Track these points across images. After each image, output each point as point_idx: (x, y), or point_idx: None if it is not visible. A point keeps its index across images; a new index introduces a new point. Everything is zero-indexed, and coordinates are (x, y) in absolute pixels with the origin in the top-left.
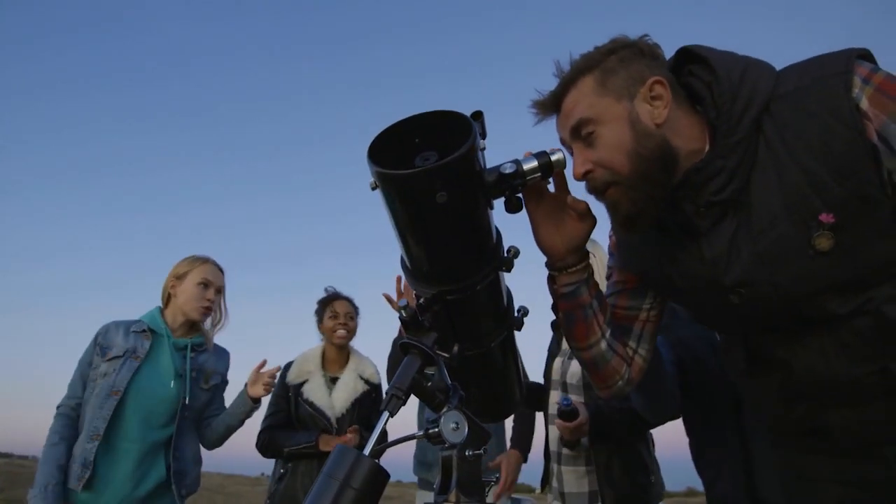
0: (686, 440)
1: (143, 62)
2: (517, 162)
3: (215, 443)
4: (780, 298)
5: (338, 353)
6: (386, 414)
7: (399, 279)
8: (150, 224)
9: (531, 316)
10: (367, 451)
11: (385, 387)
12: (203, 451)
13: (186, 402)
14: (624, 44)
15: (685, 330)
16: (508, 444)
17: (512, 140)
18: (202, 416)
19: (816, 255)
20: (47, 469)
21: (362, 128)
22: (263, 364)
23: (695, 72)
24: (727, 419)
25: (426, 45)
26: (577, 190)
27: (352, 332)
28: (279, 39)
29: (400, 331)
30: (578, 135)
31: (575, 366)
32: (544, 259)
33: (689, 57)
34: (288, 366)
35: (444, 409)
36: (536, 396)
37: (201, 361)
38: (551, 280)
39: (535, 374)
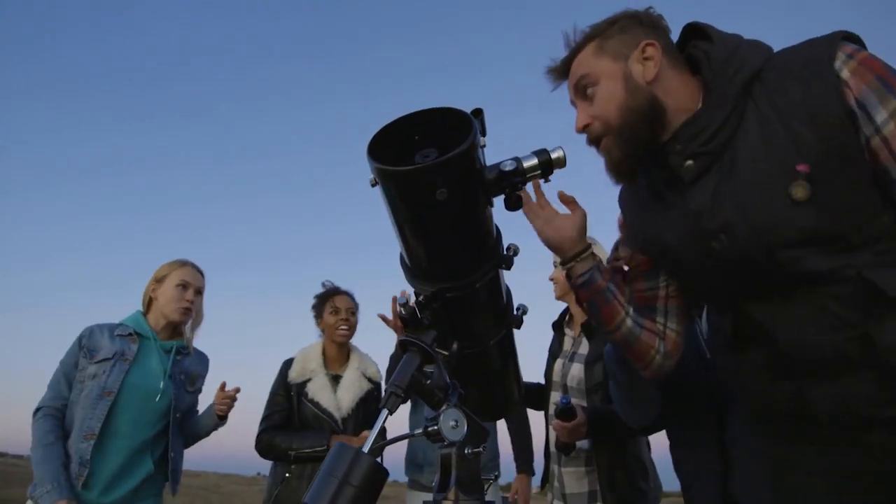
0: None
1: (140, 62)
2: (517, 160)
3: (191, 442)
4: (759, 247)
5: (339, 351)
6: (385, 412)
7: (395, 300)
8: (149, 224)
9: (532, 316)
10: (366, 448)
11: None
12: (204, 452)
13: (174, 403)
14: (625, 14)
15: None
16: (501, 447)
17: (511, 140)
18: (185, 418)
19: (793, 203)
20: (52, 466)
21: (361, 127)
22: (224, 386)
23: (698, 44)
24: (707, 425)
25: (424, 45)
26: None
27: (353, 329)
28: (278, 39)
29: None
30: (580, 92)
31: (576, 369)
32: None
33: (695, 32)
34: (287, 364)
35: (444, 407)
36: (537, 396)
37: (186, 365)
38: (568, 277)
39: (535, 374)
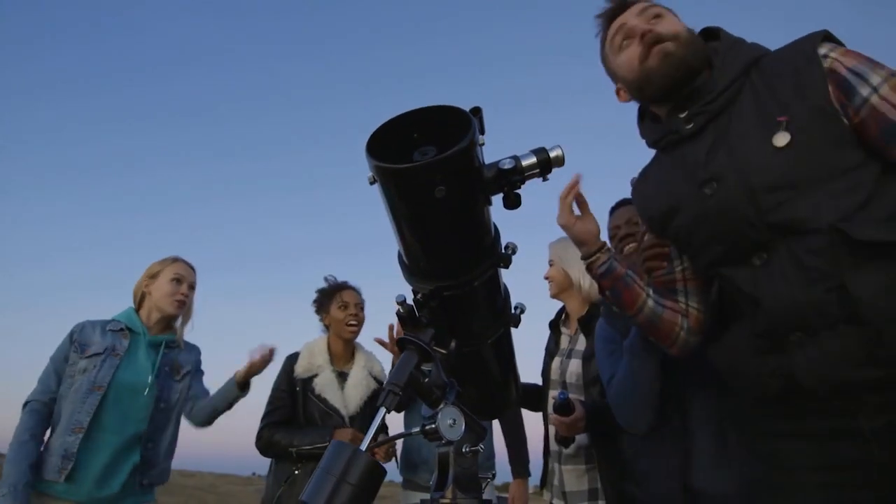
0: None
1: (140, 62)
2: (516, 158)
3: (202, 422)
4: (745, 192)
5: (345, 347)
6: (383, 410)
7: (392, 327)
8: (148, 223)
9: (530, 316)
10: (364, 446)
11: None
12: (200, 452)
13: (158, 394)
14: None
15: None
16: (497, 446)
17: (510, 140)
18: (184, 405)
19: (776, 150)
20: (18, 468)
21: (360, 126)
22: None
23: (710, 44)
24: (664, 415)
25: (423, 45)
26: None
27: (361, 325)
28: (276, 38)
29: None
30: (646, 16)
31: (574, 365)
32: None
33: (709, 35)
34: (292, 358)
35: (441, 406)
36: (535, 397)
37: (172, 357)
38: (589, 269)
39: (532, 373)
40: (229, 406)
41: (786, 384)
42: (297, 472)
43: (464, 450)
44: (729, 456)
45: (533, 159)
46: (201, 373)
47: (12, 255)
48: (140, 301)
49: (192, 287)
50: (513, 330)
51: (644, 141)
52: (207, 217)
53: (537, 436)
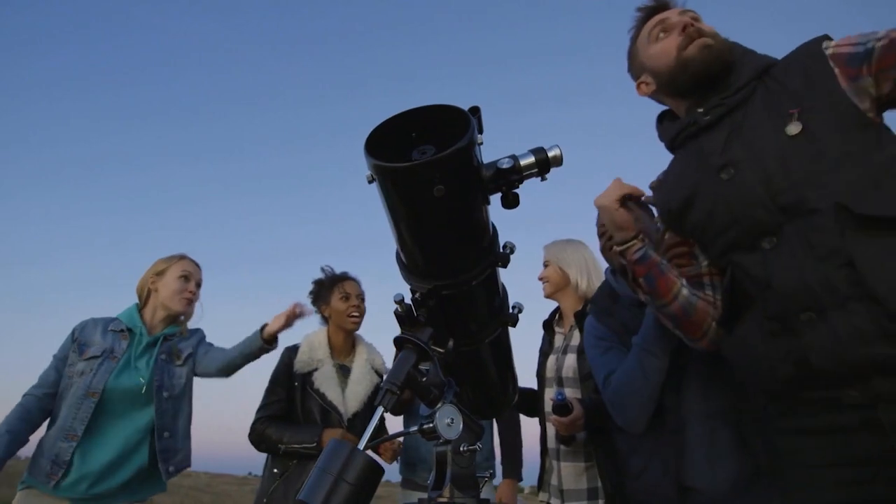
0: None
1: (137, 61)
2: (514, 157)
3: (215, 371)
4: (761, 176)
5: (345, 339)
6: (381, 409)
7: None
8: (147, 223)
9: (524, 317)
10: (361, 445)
11: None
12: (196, 451)
13: (157, 385)
14: None
15: (626, 313)
16: (498, 452)
17: (507, 141)
18: (186, 389)
19: (788, 139)
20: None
21: (359, 126)
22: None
23: None
24: (665, 409)
25: (420, 45)
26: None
27: (363, 316)
28: (274, 38)
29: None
30: (689, 12)
31: (570, 360)
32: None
33: None
34: (291, 351)
35: (439, 405)
36: (530, 401)
37: (170, 345)
38: (623, 255)
39: (527, 373)
40: (247, 358)
41: (797, 370)
42: (289, 466)
43: (461, 449)
44: (719, 454)
45: (531, 159)
46: (205, 340)
47: (12, 255)
48: (145, 298)
49: (198, 285)
50: (511, 329)
51: (663, 144)
52: (207, 217)
53: (534, 436)
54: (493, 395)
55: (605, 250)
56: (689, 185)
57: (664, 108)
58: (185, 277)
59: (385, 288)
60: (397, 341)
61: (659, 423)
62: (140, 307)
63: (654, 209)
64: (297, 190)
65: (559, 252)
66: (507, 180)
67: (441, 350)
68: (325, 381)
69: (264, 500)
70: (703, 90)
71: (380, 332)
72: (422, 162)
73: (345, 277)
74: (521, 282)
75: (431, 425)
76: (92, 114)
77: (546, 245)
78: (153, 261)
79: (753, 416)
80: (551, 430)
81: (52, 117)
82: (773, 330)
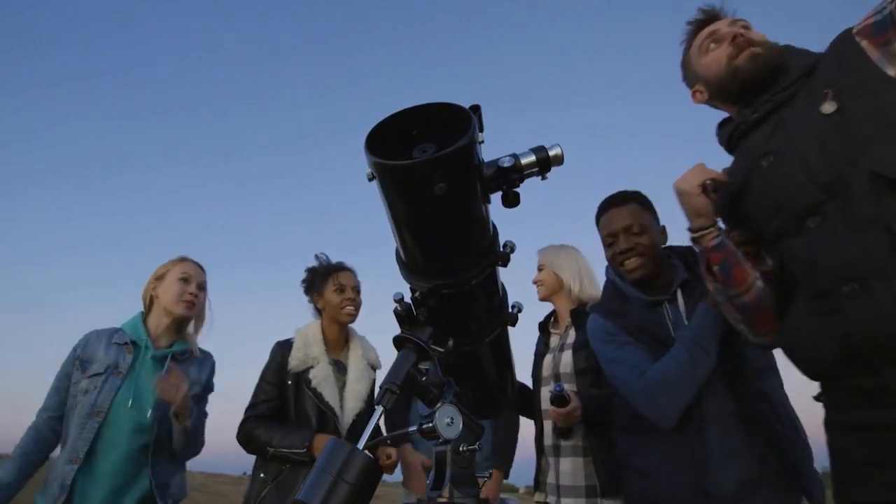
0: None
1: (137, 60)
2: (515, 156)
3: (180, 455)
4: (798, 159)
5: (339, 333)
6: (380, 409)
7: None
8: (147, 223)
9: (520, 316)
10: (360, 445)
11: None
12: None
13: (162, 416)
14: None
15: (639, 314)
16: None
17: (504, 141)
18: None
19: (823, 118)
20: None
21: (357, 126)
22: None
23: None
24: (689, 409)
25: (420, 45)
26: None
27: (358, 309)
28: (271, 37)
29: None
30: (738, 23)
31: (566, 357)
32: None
33: None
34: (283, 347)
35: (439, 404)
36: (526, 401)
37: (182, 371)
38: (696, 242)
39: (523, 373)
40: (181, 445)
41: (841, 349)
42: (282, 470)
43: (461, 448)
44: (732, 455)
45: (532, 158)
46: (208, 390)
47: (13, 255)
48: (149, 306)
49: (201, 287)
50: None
51: (723, 147)
52: (207, 216)
53: (530, 437)
54: (492, 394)
55: (613, 261)
56: (741, 177)
57: (709, 113)
58: (185, 280)
59: (385, 286)
60: (397, 340)
61: (686, 423)
62: (145, 316)
63: None
64: (298, 189)
65: (553, 257)
66: (508, 179)
67: (441, 349)
68: (322, 381)
69: None
70: (754, 95)
71: (379, 332)
72: (423, 160)
73: (340, 268)
74: (519, 281)
75: (431, 425)
76: (92, 114)
77: (540, 249)
78: (153, 261)
79: (763, 418)
80: (548, 429)
81: (52, 117)
82: (817, 309)
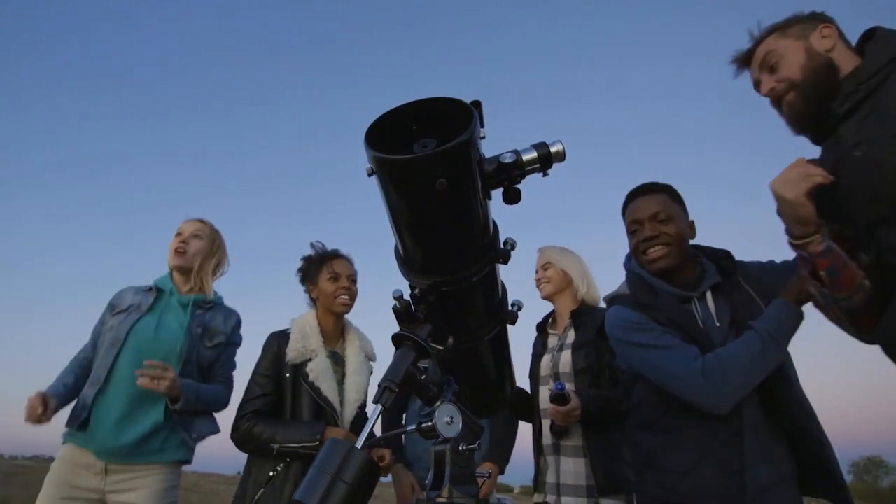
0: None
1: (134, 61)
2: (516, 152)
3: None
4: (893, 150)
5: (335, 324)
6: (379, 407)
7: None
8: (147, 223)
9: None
10: (359, 444)
11: None
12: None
13: (185, 355)
14: (800, 13)
15: (672, 309)
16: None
17: (505, 140)
18: (211, 374)
19: None
20: (54, 383)
21: (357, 125)
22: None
23: (867, 46)
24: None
25: (420, 45)
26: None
27: (354, 299)
28: (271, 37)
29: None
30: (766, 67)
31: (565, 357)
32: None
33: (868, 36)
34: (278, 338)
35: (438, 403)
36: (524, 403)
37: (207, 319)
38: (803, 248)
39: (520, 373)
40: (195, 401)
41: None
42: (272, 473)
43: (461, 448)
44: (771, 456)
45: (533, 154)
46: (234, 345)
47: (13, 255)
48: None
49: (197, 236)
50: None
51: (809, 140)
52: (207, 216)
53: (526, 437)
54: (491, 393)
55: (636, 250)
56: (831, 168)
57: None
58: (178, 233)
59: (385, 286)
60: (396, 338)
61: (724, 423)
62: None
63: None
64: (298, 189)
65: (561, 256)
66: (509, 175)
67: (440, 347)
68: (320, 374)
69: None
70: (819, 120)
71: (379, 331)
72: (424, 154)
73: (335, 255)
74: (519, 280)
75: (430, 424)
76: (92, 114)
77: (543, 248)
78: (153, 261)
79: (799, 421)
80: (547, 428)
81: (52, 117)
82: None
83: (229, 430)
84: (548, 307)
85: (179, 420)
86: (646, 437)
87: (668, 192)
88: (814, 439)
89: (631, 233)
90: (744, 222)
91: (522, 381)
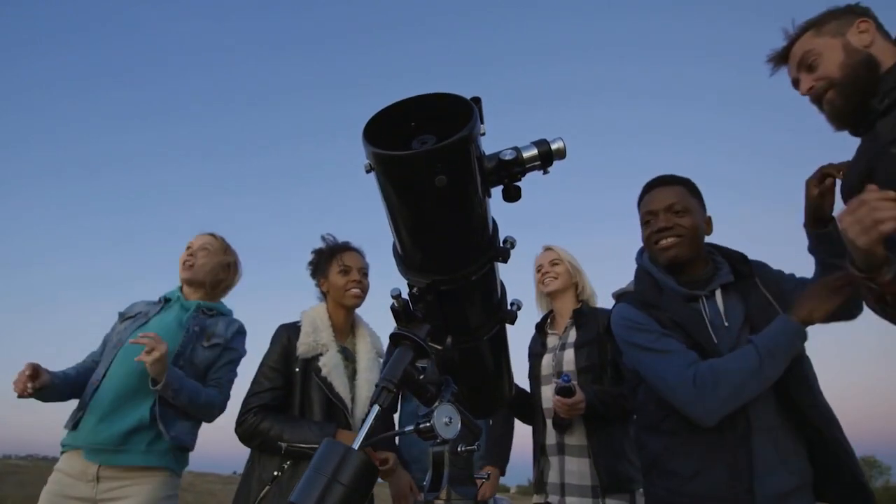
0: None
1: (134, 61)
2: (517, 149)
3: (190, 411)
4: None
5: (346, 318)
6: (376, 407)
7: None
8: (147, 223)
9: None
10: (356, 445)
11: None
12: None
13: (179, 351)
14: (836, 8)
15: (677, 308)
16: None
17: (504, 140)
18: (206, 378)
19: None
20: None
21: (357, 124)
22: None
23: None
24: (735, 415)
25: (420, 44)
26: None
27: (366, 292)
28: (271, 36)
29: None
30: (804, 66)
31: (568, 355)
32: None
33: None
34: (288, 330)
35: (437, 403)
36: (524, 403)
37: (208, 323)
38: (870, 280)
39: (519, 375)
40: (173, 394)
41: None
42: (284, 467)
43: (459, 449)
44: (787, 462)
45: (534, 151)
46: (232, 350)
47: (13, 255)
48: None
49: (204, 250)
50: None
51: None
52: (207, 216)
53: (522, 437)
54: (490, 393)
55: (648, 241)
56: (866, 161)
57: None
58: (188, 247)
59: (384, 284)
60: (394, 337)
61: (730, 428)
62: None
63: None
64: (297, 188)
65: (569, 256)
66: (510, 172)
67: (439, 347)
68: (332, 369)
69: None
70: (858, 118)
71: (380, 330)
72: (423, 150)
73: (345, 248)
74: (518, 279)
75: (429, 424)
76: (92, 114)
77: (551, 245)
78: (153, 260)
79: (822, 428)
80: (551, 429)
81: (52, 117)
82: None
83: (234, 424)
84: (532, 307)
85: (161, 414)
86: (651, 439)
87: (685, 185)
88: (839, 448)
89: (644, 223)
90: (744, 221)
91: (520, 381)
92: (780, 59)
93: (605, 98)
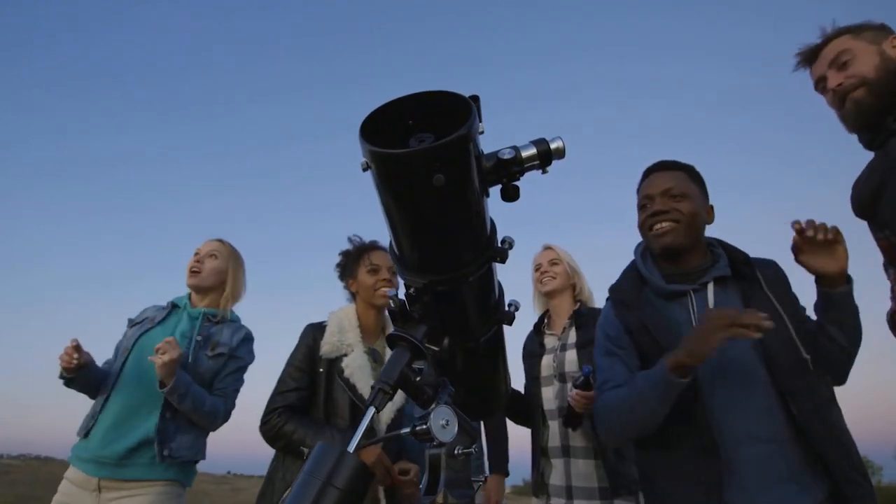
0: None
1: (134, 61)
2: (515, 148)
3: (194, 419)
4: None
5: (376, 319)
6: (372, 409)
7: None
8: (147, 223)
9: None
10: (351, 447)
11: None
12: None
13: (183, 363)
14: (870, 22)
15: (650, 307)
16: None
17: (503, 141)
18: (211, 387)
19: None
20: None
21: (356, 123)
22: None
23: None
24: (705, 426)
25: (420, 43)
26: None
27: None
28: (272, 36)
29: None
30: (836, 64)
31: (570, 355)
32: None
33: None
34: (315, 330)
35: (433, 406)
36: (520, 405)
37: (213, 331)
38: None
39: (514, 377)
40: (181, 406)
41: None
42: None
43: (456, 452)
44: (772, 483)
45: (533, 150)
46: (237, 359)
47: (13, 255)
48: None
49: (211, 256)
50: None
51: (864, 146)
52: (208, 216)
53: (518, 437)
54: (486, 395)
55: (643, 226)
56: (878, 176)
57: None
58: (196, 253)
59: None
60: (390, 338)
61: (696, 441)
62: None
63: None
64: (298, 187)
65: (568, 257)
66: (508, 172)
67: (436, 348)
68: (356, 370)
69: None
70: (875, 130)
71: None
72: (421, 149)
73: (373, 247)
74: (517, 279)
75: (425, 427)
76: (92, 114)
77: (551, 245)
78: (153, 260)
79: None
80: (554, 430)
81: (52, 117)
82: None
83: (258, 423)
84: (529, 307)
85: (163, 429)
86: (639, 452)
87: (686, 171)
88: (844, 477)
89: (641, 207)
90: (744, 221)
91: (516, 383)
92: (811, 55)
93: (605, 98)
